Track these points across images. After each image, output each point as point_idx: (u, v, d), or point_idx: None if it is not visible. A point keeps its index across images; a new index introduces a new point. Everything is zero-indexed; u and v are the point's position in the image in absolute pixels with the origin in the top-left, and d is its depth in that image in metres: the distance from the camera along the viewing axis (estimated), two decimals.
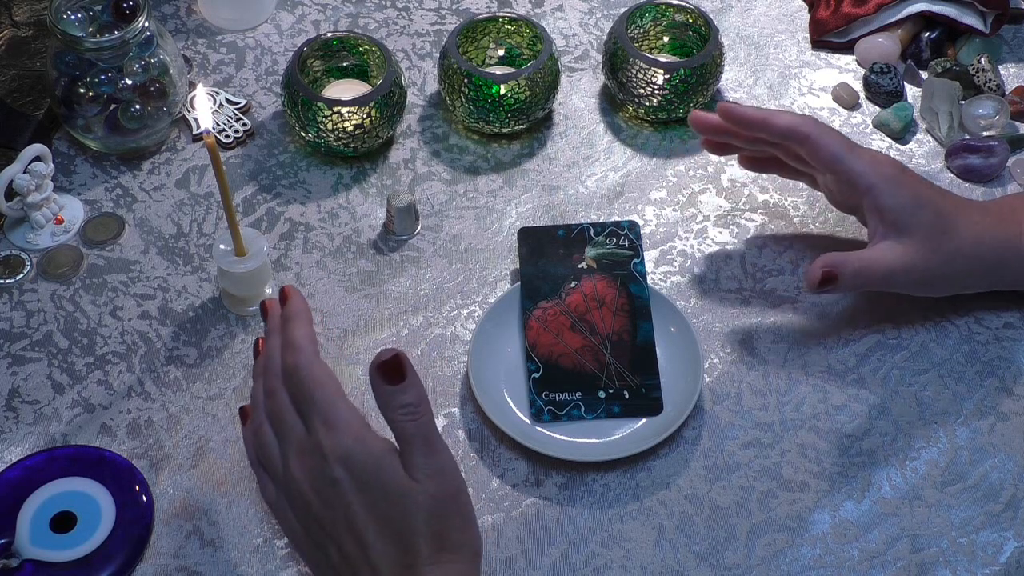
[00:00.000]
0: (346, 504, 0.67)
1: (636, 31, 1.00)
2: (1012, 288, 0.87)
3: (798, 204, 0.95)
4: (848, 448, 0.82)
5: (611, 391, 0.83)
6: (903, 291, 0.85)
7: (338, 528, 0.67)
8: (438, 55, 1.01)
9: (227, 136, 0.98)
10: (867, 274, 0.83)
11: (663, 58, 1.02)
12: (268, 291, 0.88)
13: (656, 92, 0.96)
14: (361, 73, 0.99)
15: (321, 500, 0.68)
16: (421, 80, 1.03)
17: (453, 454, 0.68)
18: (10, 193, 0.90)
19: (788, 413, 0.84)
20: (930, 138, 0.99)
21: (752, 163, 0.92)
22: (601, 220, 0.93)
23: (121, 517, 0.77)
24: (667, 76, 0.96)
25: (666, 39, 1.02)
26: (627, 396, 0.83)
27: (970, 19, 1.02)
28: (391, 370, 0.66)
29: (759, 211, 0.95)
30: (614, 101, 1.02)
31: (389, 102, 0.94)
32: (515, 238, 0.91)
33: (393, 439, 0.68)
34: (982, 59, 1.01)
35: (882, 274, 0.83)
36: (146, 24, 0.91)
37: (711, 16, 1.00)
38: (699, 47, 1.00)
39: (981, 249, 0.83)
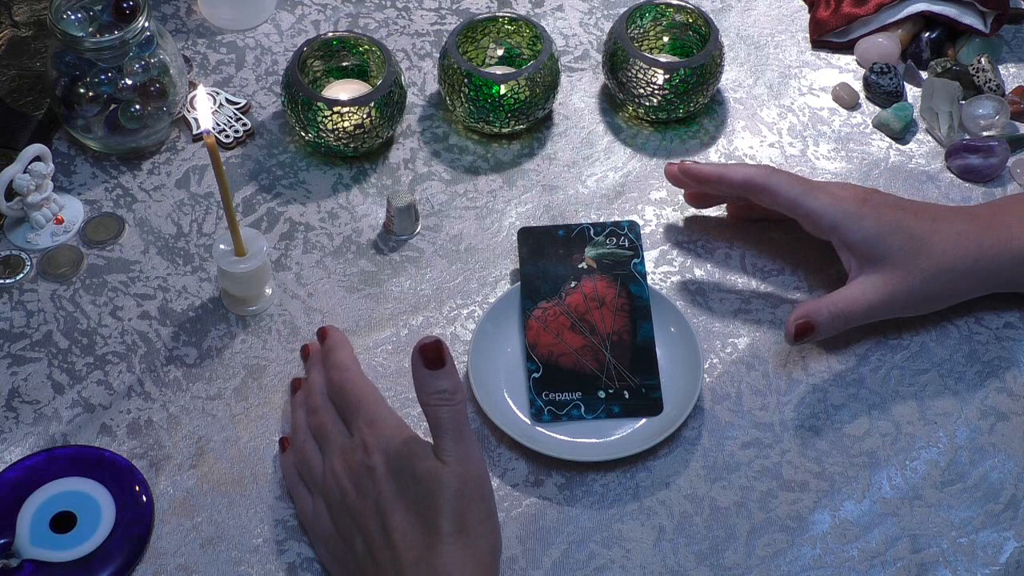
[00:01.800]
0: (378, 491, 0.70)
1: (636, 31, 1.00)
2: (1011, 290, 0.87)
3: None
4: (848, 448, 0.82)
5: (611, 391, 0.83)
6: (893, 316, 0.85)
7: (367, 515, 0.71)
8: (438, 55, 1.01)
9: (227, 136, 0.98)
10: (847, 315, 0.83)
11: (663, 58, 1.02)
12: (268, 291, 0.88)
13: (656, 92, 0.96)
14: (361, 73, 0.99)
15: (357, 489, 0.72)
16: (421, 80, 1.03)
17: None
18: (10, 193, 0.90)
19: (788, 413, 0.84)
20: (930, 138, 0.99)
21: (696, 200, 0.93)
22: (601, 220, 0.93)
23: (121, 517, 0.77)
24: (667, 76, 0.96)
25: (666, 39, 1.02)
26: (627, 396, 0.83)
27: (970, 19, 1.02)
28: (431, 355, 0.69)
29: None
30: (614, 101, 1.02)
31: (389, 102, 0.94)
32: (515, 238, 0.91)
33: (430, 438, 0.71)
34: (982, 59, 1.01)
35: (863, 311, 0.83)
36: (146, 24, 0.91)
37: (711, 16, 1.00)
38: (699, 47, 1.00)
39: (966, 261, 0.83)
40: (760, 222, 0.93)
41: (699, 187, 0.90)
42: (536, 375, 0.84)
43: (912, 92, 1.02)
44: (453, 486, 0.68)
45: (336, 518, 0.73)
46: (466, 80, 0.94)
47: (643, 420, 0.83)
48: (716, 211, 0.94)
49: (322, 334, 0.84)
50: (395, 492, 0.70)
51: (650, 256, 0.92)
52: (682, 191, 0.93)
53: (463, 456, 0.69)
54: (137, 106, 0.93)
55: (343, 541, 0.73)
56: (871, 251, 0.83)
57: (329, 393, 0.79)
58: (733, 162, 0.97)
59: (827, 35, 1.05)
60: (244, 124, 0.98)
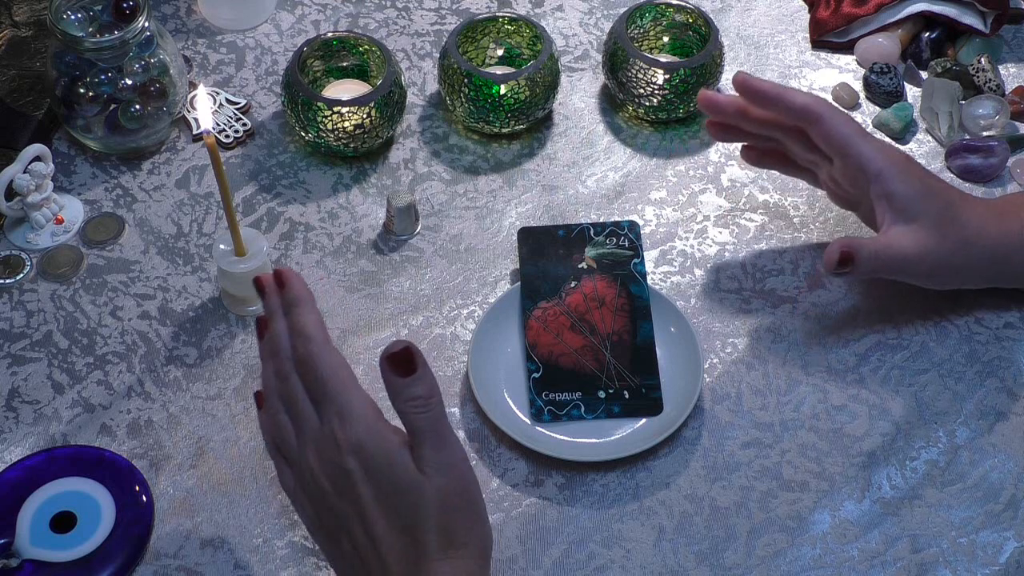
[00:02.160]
0: (357, 495, 0.67)
1: (636, 31, 1.00)
2: (1014, 285, 0.87)
3: (798, 204, 0.95)
4: (848, 448, 0.82)
5: (611, 391, 0.83)
6: (913, 280, 0.85)
7: (350, 519, 0.67)
8: (438, 55, 1.01)
9: (227, 136, 0.98)
10: (883, 257, 0.82)
11: (663, 58, 1.02)
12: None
13: (656, 92, 0.96)
14: (361, 73, 0.99)
15: (335, 490, 0.68)
16: (421, 80, 1.03)
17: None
18: (10, 193, 0.90)
19: (788, 413, 0.84)
20: (930, 138, 0.99)
21: (754, 156, 0.92)
22: (601, 220, 0.93)
23: (121, 517, 0.77)
24: (667, 76, 0.96)
25: (666, 39, 1.02)
26: (627, 396, 0.83)
27: (970, 19, 1.02)
28: (401, 362, 0.66)
29: (759, 211, 0.95)
30: (614, 101, 1.02)
31: (389, 102, 0.94)
32: (515, 238, 0.91)
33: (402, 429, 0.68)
34: (982, 59, 1.01)
35: (898, 259, 0.82)
36: (146, 24, 0.91)
37: (711, 16, 1.00)
38: (699, 47, 1.00)
39: (986, 241, 0.83)
40: (771, 169, 0.92)
41: (753, 104, 0.87)
42: (536, 375, 0.84)
43: (912, 92, 1.02)
44: (436, 500, 0.66)
45: (318, 511, 0.70)
46: (466, 80, 0.94)
47: (643, 420, 0.83)
48: (716, 211, 0.94)
49: (279, 277, 0.73)
50: (375, 499, 0.67)
51: (650, 256, 0.92)
52: (705, 122, 0.91)
53: (445, 465, 0.66)
54: (137, 106, 0.93)
55: (329, 536, 0.70)
56: (909, 207, 0.82)
57: (294, 362, 0.71)
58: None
59: (827, 35, 1.05)
60: (244, 124, 0.98)
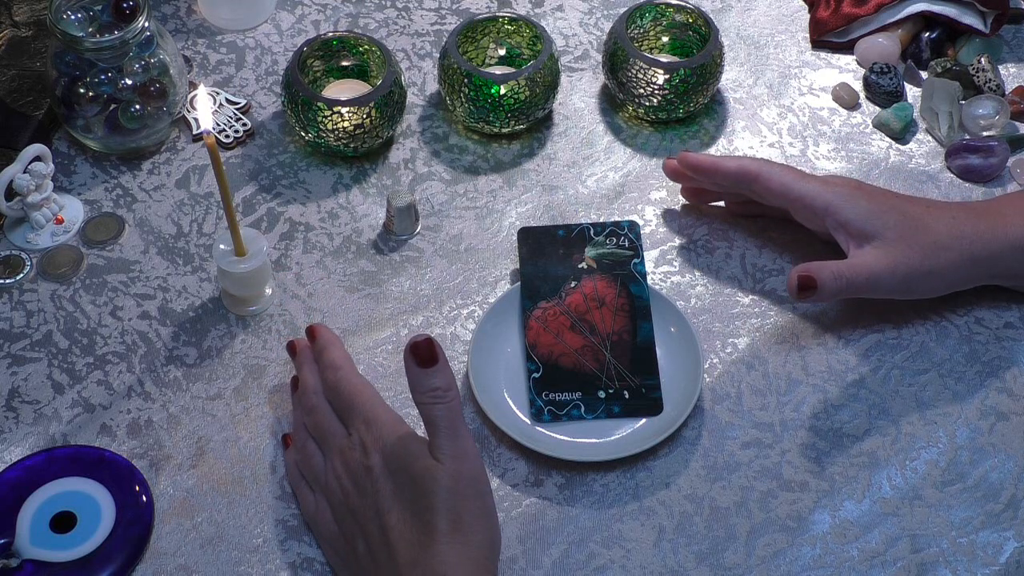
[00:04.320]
0: (376, 490, 0.70)
1: (636, 31, 1.00)
2: (1011, 283, 0.87)
3: None
4: (848, 448, 0.82)
5: (611, 391, 0.83)
6: (894, 295, 0.85)
7: (368, 515, 0.71)
8: (438, 55, 1.01)
9: (227, 136, 0.98)
10: (849, 276, 0.82)
11: (663, 58, 1.02)
12: (268, 291, 0.88)
13: (656, 92, 0.96)
14: (361, 73, 0.99)
15: (357, 488, 0.72)
16: (421, 80, 1.03)
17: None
18: (10, 193, 0.90)
19: (788, 413, 0.84)
20: (930, 138, 0.99)
21: (741, 208, 0.93)
22: (601, 220, 0.93)
23: (121, 517, 0.77)
24: (667, 76, 0.96)
25: (666, 39, 1.02)
26: (627, 396, 0.83)
27: (970, 19, 1.02)
28: (423, 353, 0.70)
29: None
30: (614, 101, 1.02)
31: (389, 102, 0.94)
32: (515, 238, 0.91)
33: (426, 436, 0.71)
34: (982, 59, 1.01)
35: (864, 275, 0.83)
36: (146, 24, 0.91)
37: (711, 16, 1.00)
38: (699, 47, 1.00)
39: (962, 242, 0.83)
40: (758, 218, 0.93)
41: (695, 178, 0.91)
42: (536, 375, 0.84)
43: (912, 92, 1.02)
44: (448, 484, 0.68)
45: (339, 518, 0.74)
46: (466, 80, 0.94)
47: (643, 420, 0.83)
48: (716, 210, 0.94)
49: (311, 333, 0.82)
50: (392, 491, 0.70)
51: (650, 256, 0.92)
52: (680, 190, 0.94)
53: (458, 453, 0.69)
54: (137, 106, 0.93)
55: (346, 542, 0.73)
56: (866, 228, 0.83)
57: (325, 392, 0.78)
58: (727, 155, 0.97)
59: (827, 35, 1.05)
60: (244, 124, 0.98)
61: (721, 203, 0.94)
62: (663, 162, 0.92)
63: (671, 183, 0.96)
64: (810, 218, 0.87)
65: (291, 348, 0.83)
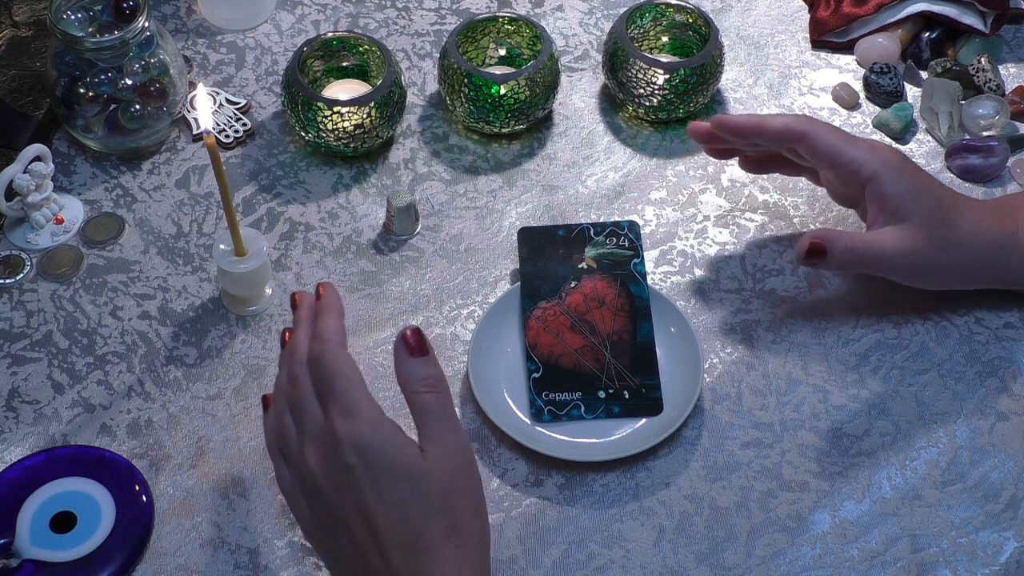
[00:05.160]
0: (358, 490, 0.67)
1: (636, 31, 1.00)
2: (1014, 287, 0.87)
3: (798, 204, 0.95)
4: (848, 448, 0.82)
5: (611, 391, 0.83)
6: (896, 278, 0.85)
7: (350, 514, 0.67)
8: (438, 55, 1.01)
9: (227, 136, 0.98)
10: (860, 252, 0.82)
11: (663, 58, 1.02)
12: (268, 291, 0.88)
13: (656, 92, 0.96)
14: (361, 73, 0.99)
15: (334, 487, 0.68)
16: (421, 80, 1.03)
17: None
18: (10, 193, 0.90)
19: (788, 413, 0.84)
20: (930, 138, 0.99)
21: (753, 165, 0.93)
22: (601, 220, 0.93)
23: (121, 517, 0.77)
24: (667, 76, 0.96)
25: (666, 39, 1.02)
26: (627, 396, 0.83)
27: (970, 19, 1.02)
28: (414, 343, 0.69)
29: (759, 211, 0.95)
30: (614, 101, 1.02)
31: (389, 102, 0.94)
32: (515, 238, 0.91)
33: (413, 433, 0.69)
34: (982, 59, 1.01)
35: (876, 255, 0.83)
36: (146, 24, 0.91)
37: (711, 16, 1.00)
38: (699, 47, 1.00)
39: (979, 244, 0.83)
40: (772, 173, 0.93)
41: (730, 140, 0.88)
42: (536, 375, 0.84)
43: (912, 92, 1.02)
44: (440, 486, 0.66)
45: (315, 509, 0.70)
46: (466, 80, 0.94)
47: (643, 420, 0.83)
48: (716, 211, 0.94)
49: (318, 291, 0.76)
50: (378, 493, 0.67)
51: (650, 256, 0.92)
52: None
53: (449, 448, 0.67)
54: (137, 106, 0.93)
55: (326, 534, 0.70)
56: (900, 207, 0.83)
57: (307, 363, 0.73)
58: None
59: (827, 35, 1.05)
60: (244, 124, 0.98)
61: (723, 205, 0.94)
62: (688, 124, 0.90)
63: (671, 183, 0.96)
64: (848, 182, 0.85)
65: (293, 301, 0.77)
